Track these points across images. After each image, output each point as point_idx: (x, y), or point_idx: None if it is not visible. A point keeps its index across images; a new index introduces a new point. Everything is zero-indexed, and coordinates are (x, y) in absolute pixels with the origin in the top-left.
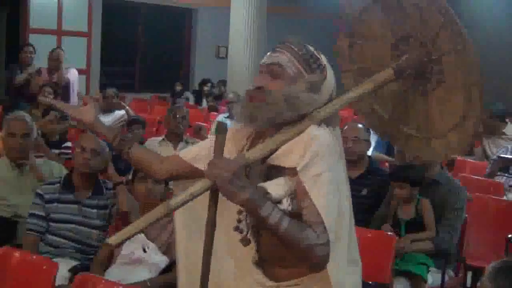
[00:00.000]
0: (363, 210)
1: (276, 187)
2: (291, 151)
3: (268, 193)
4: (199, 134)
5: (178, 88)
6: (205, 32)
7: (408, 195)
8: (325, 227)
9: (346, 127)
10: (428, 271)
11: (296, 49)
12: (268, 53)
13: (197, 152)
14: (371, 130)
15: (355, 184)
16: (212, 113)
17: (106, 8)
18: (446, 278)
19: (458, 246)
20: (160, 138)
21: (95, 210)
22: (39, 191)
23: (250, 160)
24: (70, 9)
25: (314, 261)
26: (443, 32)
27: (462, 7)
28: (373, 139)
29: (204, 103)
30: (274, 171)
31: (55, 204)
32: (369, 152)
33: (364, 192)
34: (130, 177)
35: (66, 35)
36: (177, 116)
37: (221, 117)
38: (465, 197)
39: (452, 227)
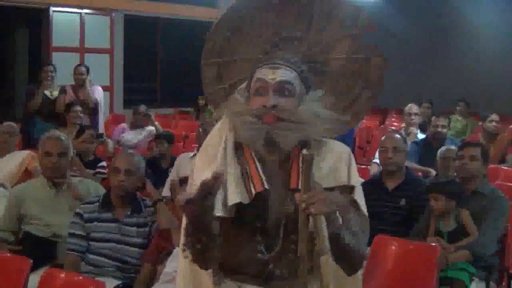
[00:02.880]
0: (401, 222)
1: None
2: (337, 169)
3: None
4: None
5: (201, 102)
6: None
7: (443, 208)
8: (366, 234)
9: (383, 137)
10: (472, 280)
11: (296, 65)
12: (269, 70)
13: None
14: None
15: (392, 195)
16: None
17: (126, 24)
18: None
19: (500, 256)
20: (192, 153)
21: (134, 228)
22: (78, 210)
23: (321, 185)
24: (92, 25)
25: (358, 267)
26: (345, 40)
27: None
28: None
29: None
30: None
31: (95, 223)
32: None
33: (402, 202)
34: (163, 193)
35: (89, 52)
36: (208, 131)
37: None
38: (506, 207)
39: (489, 232)
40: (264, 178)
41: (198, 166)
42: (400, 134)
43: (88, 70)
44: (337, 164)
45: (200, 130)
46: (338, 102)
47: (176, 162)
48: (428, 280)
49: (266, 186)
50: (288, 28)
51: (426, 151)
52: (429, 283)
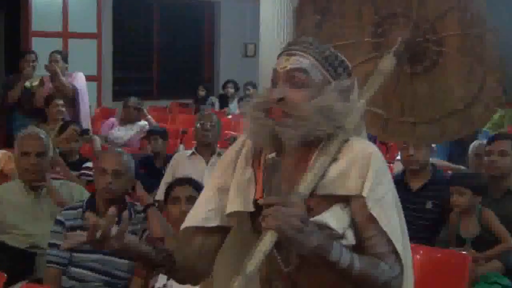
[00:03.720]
0: (428, 226)
1: (337, 220)
2: (347, 175)
3: (331, 228)
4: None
5: (202, 93)
6: (230, 28)
7: (468, 204)
8: (396, 256)
9: None
10: None
11: (318, 51)
12: (283, 56)
13: (203, 209)
14: None
15: (417, 196)
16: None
17: (116, 5)
18: None
19: None
20: (190, 151)
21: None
22: (59, 217)
23: (306, 195)
24: (76, 7)
25: None
26: (451, 13)
27: None
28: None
29: (234, 107)
30: (322, 202)
31: (78, 231)
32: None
33: (429, 205)
34: (157, 196)
35: (73, 37)
36: (206, 125)
37: None
38: None
39: None
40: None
41: (220, 163)
42: None
43: (64, 57)
44: (349, 169)
45: (198, 125)
46: (465, 90)
47: (172, 162)
48: None
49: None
50: (385, 3)
51: (457, 146)
52: None
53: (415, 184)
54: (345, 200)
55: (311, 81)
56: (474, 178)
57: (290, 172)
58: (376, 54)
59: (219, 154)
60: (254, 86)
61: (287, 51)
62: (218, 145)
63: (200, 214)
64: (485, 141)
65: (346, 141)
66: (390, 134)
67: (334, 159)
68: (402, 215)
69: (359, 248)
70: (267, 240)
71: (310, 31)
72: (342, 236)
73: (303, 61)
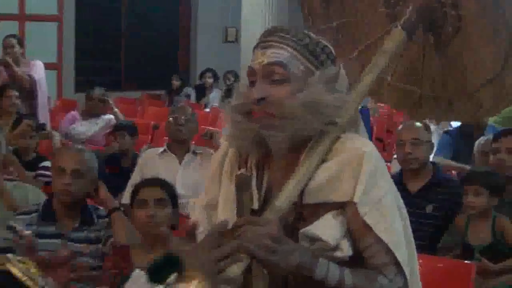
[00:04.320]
0: (428, 233)
1: (329, 229)
2: (338, 179)
3: (322, 240)
4: (209, 142)
5: (176, 83)
6: (209, 10)
7: (485, 207)
8: (398, 266)
9: (400, 127)
10: None
11: (296, 39)
12: (258, 50)
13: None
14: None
15: (416, 199)
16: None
17: None
18: None
19: None
20: (161, 149)
21: (84, 245)
22: (11, 223)
23: (285, 209)
24: None
25: None
26: None
27: None
28: (434, 139)
29: (213, 98)
30: (315, 210)
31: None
32: (431, 157)
33: (429, 209)
34: (123, 199)
35: (31, 20)
36: (179, 118)
37: None
38: None
39: None
40: (256, 192)
41: (206, 178)
42: (424, 122)
43: (20, 41)
44: (340, 172)
45: (171, 118)
46: (493, 57)
47: (139, 161)
48: None
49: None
50: None
51: (462, 143)
52: None
53: (414, 186)
54: (340, 206)
55: (292, 74)
56: (493, 177)
57: (279, 179)
58: (392, 26)
59: (194, 153)
60: (236, 75)
61: (262, 43)
62: (193, 142)
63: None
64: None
65: (337, 138)
66: (424, 112)
67: (324, 161)
68: (407, 220)
69: (358, 259)
70: (238, 266)
71: (317, 10)
72: (335, 248)
73: (281, 53)
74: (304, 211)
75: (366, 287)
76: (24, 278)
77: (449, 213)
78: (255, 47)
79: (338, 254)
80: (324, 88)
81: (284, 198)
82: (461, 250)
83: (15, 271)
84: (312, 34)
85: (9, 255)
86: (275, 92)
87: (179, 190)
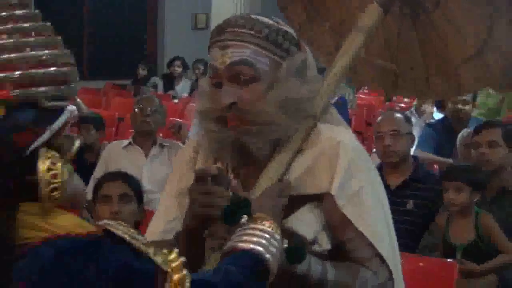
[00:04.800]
0: (408, 230)
1: (306, 224)
2: (314, 171)
3: (299, 235)
4: (177, 134)
5: (142, 72)
6: None
7: (466, 203)
8: (381, 259)
9: (379, 119)
10: None
11: (254, 33)
12: (216, 50)
13: (161, 221)
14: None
15: (396, 195)
16: (192, 104)
17: None
18: None
19: None
20: (126, 141)
21: None
22: None
23: None
24: None
25: None
26: None
27: None
28: (415, 131)
29: (181, 89)
30: (290, 204)
31: None
32: (412, 151)
33: (410, 205)
34: (89, 195)
35: None
36: (146, 109)
37: None
38: None
39: None
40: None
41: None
42: (404, 113)
43: None
44: (316, 163)
45: (136, 109)
46: (474, 33)
47: (103, 154)
48: None
49: None
50: None
51: (445, 136)
52: None
53: (394, 181)
54: (316, 199)
55: (259, 71)
56: (473, 172)
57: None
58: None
59: (162, 145)
60: (206, 64)
61: (219, 42)
62: (161, 135)
63: (158, 227)
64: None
65: (312, 128)
66: (402, 90)
67: (300, 152)
68: (389, 212)
69: (338, 253)
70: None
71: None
72: (313, 242)
73: (242, 51)
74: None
75: (349, 281)
76: (127, 237)
77: (430, 210)
78: (211, 46)
79: (316, 248)
80: (295, 79)
81: (258, 191)
82: (443, 249)
83: (119, 232)
84: (267, 20)
85: (110, 221)
86: (245, 95)
87: (145, 185)
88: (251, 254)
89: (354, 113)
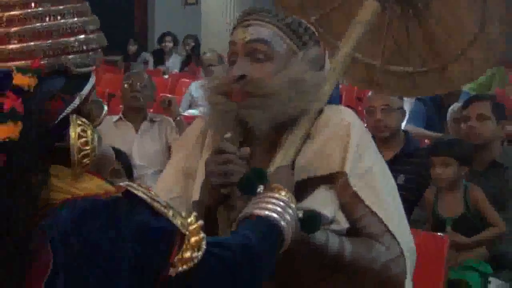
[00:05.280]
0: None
1: (324, 203)
2: (326, 153)
3: (321, 214)
4: (168, 109)
5: (133, 48)
6: None
7: (454, 178)
8: (392, 235)
9: (369, 94)
10: (488, 282)
11: (278, 17)
12: (239, 28)
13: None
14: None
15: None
16: (182, 80)
17: None
18: None
19: None
20: (116, 117)
21: None
22: None
23: None
24: None
25: (393, 281)
26: None
27: None
28: (406, 106)
29: (172, 64)
30: (303, 187)
31: None
32: (403, 126)
33: (401, 180)
34: None
35: None
36: (135, 85)
37: (195, 85)
38: None
39: None
40: None
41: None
42: None
43: None
44: (327, 145)
45: (126, 85)
46: (474, 14)
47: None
48: (436, 280)
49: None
50: None
51: (436, 111)
52: (437, 284)
53: (385, 155)
54: (329, 180)
55: (275, 52)
56: (460, 146)
57: (262, 161)
58: None
59: (152, 121)
60: (196, 39)
61: (243, 22)
62: (151, 110)
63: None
64: None
65: (320, 112)
66: (421, 90)
67: (309, 135)
68: (395, 190)
69: (351, 232)
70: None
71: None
72: (332, 221)
73: (263, 30)
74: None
75: (365, 254)
76: (147, 198)
77: (421, 184)
78: (235, 27)
79: (334, 227)
80: (307, 67)
81: (285, 161)
82: (433, 223)
83: (139, 193)
84: (294, 16)
85: (130, 182)
86: (257, 71)
87: (136, 160)
88: (266, 221)
89: (345, 89)
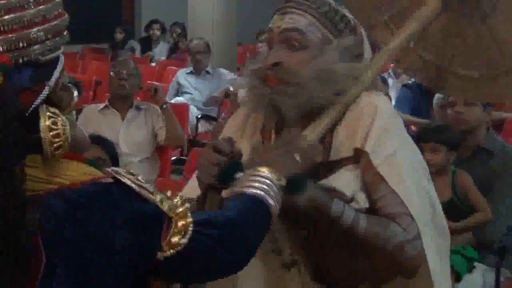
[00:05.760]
0: None
1: (345, 182)
2: (353, 134)
3: (338, 191)
4: (154, 97)
5: (120, 35)
6: None
7: (443, 163)
8: (412, 218)
9: None
10: (473, 267)
11: (315, 6)
12: (276, 16)
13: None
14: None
15: None
16: (169, 67)
17: None
18: (502, 278)
19: None
20: (102, 105)
21: None
22: None
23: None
24: None
25: (406, 264)
26: None
27: None
28: (392, 93)
29: (159, 52)
30: (329, 168)
31: None
32: None
33: None
34: None
35: None
36: (121, 73)
37: (182, 73)
38: None
39: (503, 206)
40: None
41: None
42: (381, 75)
43: None
44: (355, 127)
45: (112, 73)
46: None
47: (80, 117)
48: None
49: None
50: None
51: (422, 97)
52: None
53: None
54: (354, 160)
55: (309, 41)
56: (448, 131)
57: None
58: None
59: (138, 108)
60: (183, 27)
61: (281, 9)
62: (138, 98)
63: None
64: None
65: (358, 95)
66: (471, 94)
67: (341, 119)
68: (422, 177)
69: (373, 212)
70: None
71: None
72: (351, 200)
73: (299, 19)
74: (321, 169)
75: (380, 232)
76: (135, 187)
77: None
78: (275, 13)
79: (354, 205)
80: (339, 56)
81: (310, 133)
82: None
83: (126, 180)
84: (331, 2)
85: (117, 169)
86: (290, 59)
87: (122, 148)
88: (252, 198)
89: None
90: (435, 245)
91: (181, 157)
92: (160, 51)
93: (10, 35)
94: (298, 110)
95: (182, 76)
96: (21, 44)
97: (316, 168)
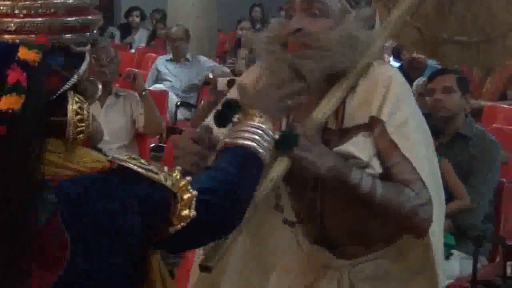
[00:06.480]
0: None
1: (361, 148)
2: (367, 102)
3: (355, 157)
4: (133, 84)
5: (113, 31)
6: None
7: None
8: (423, 183)
9: None
10: (450, 254)
11: None
12: None
13: None
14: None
15: None
16: (149, 54)
17: None
18: (479, 266)
19: (492, 222)
20: None
21: None
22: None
23: (320, 119)
24: None
25: (419, 226)
26: None
27: None
28: None
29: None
30: (344, 134)
31: None
32: None
33: None
34: None
35: None
36: (102, 59)
37: (161, 60)
38: (499, 155)
39: (479, 192)
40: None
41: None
42: None
43: None
44: (369, 95)
45: (92, 60)
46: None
47: None
48: None
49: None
50: None
51: None
52: None
53: None
54: (368, 127)
55: (330, 10)
56: (428, 119)
57: (311, 111)
58: None
59: (117, 95)
60: (164, 14)
61: None
62: (117, 85)
63: None
64: None
65: (369, 65)
66: (444, 56)
67: (354, 88)
68: (430, 145)
69: (385, 178)
70: (279, 167)
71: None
72: (367, 165)
73: None
74: (333, 136)
75: (395, 196)
76: (141, 171)
77: None
78: None
79: (369, 171)
80: (360, 25)
81: (317, 111)
82: None
83: (130, 165)
84: None
85: (118, 156)
86: (312, 25)
87: None
88: (245, 150)
89: None
90: (436, 213)
91: (160, 144)
92: (140, 38)
93: (51, 18)
94: (319, 74)
95: (162, 63)
96: (59, 29)
97: (329, 134)
